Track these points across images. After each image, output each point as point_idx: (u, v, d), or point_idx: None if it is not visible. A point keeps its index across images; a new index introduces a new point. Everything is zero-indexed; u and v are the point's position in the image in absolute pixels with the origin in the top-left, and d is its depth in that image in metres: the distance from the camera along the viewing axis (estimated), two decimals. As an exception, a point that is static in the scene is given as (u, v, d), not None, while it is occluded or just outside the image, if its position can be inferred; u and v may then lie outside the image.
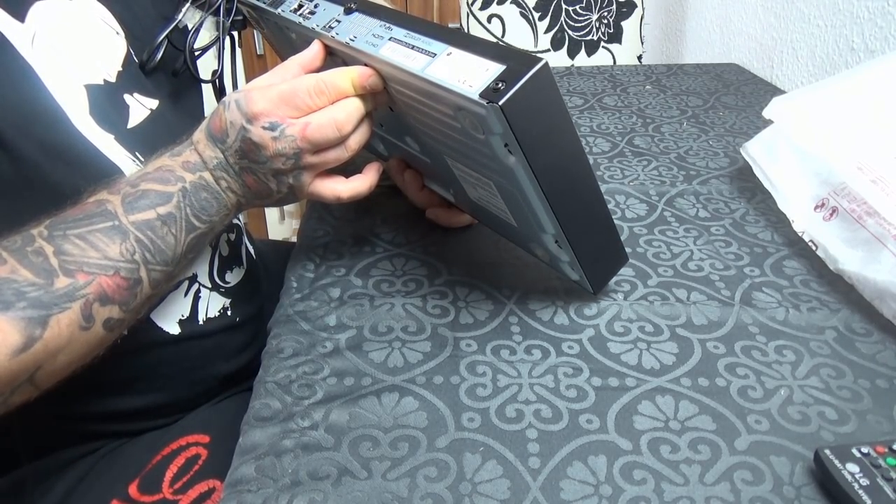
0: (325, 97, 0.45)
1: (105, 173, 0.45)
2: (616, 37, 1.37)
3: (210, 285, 0.57)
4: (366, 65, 0.46)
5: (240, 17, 0.63)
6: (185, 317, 0.54)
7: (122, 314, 0.42)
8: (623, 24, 1.36)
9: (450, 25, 1.64)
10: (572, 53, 1.37)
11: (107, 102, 0.48)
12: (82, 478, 0.53)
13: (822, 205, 0.55)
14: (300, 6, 0.54)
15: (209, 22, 0.60)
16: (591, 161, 0.75)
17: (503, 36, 1.35)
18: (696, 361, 0.45)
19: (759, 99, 0.94)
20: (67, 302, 0.39)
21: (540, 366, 0.45)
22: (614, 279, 0.53)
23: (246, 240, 0.66)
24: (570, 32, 1.35)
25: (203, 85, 0.63)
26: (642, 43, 1.39)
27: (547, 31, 1.35)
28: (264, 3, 0.58)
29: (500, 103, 0.35)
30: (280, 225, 1.93)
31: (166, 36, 0.55)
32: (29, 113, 0.43)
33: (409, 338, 0.48)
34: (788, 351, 0.46)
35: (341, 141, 0.46)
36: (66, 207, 0.42)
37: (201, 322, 0.55)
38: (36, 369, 0.38)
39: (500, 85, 0.36)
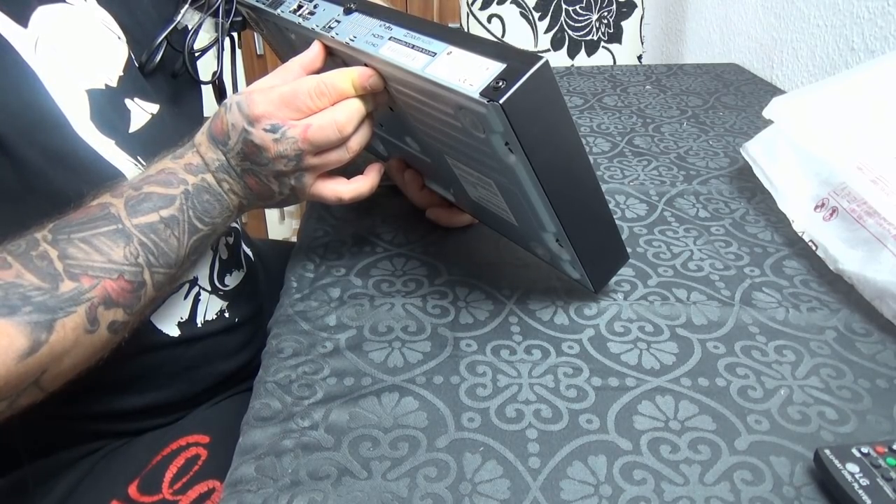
0: (325, 98, 0.45)
1: (107, 178, 0.45)
2: (616, 37, 1.37)
3: (210, 288, 0.57)
4: (366, 65, 0.46)
5: (239, 19, 0.63)
6: (183, 319, 0.54)
7: (126, 317, 0.42)
8: (623, 24, 1.36)
9: (450, 25, 1.64)
10: (572, 53, 1.37)
11: (108, 107, 0.48)
12: (82, 478, 0.53)
13: (822, 205, 0.55)
14: (300, 7, 0.54)
15: (209, 23, 0.60)
16: (591, 161, 0.75)
17: (503, 36, 1.35)
18: (696, 361, 0.45)
19: (759, 99, 0.94)
20: (72, 306, 0.39)
21: (540, 366, 0.45)
22: (614, 279, 0.53)
23: (243, 242, 0.66)
24: (570, 32, 1.35)
25: (202, 87, 0.63)
26: (642, 43, 1.39)
27: (547, 31, 1.35)
28: (263, 3, 0.58)
29: (501, 102, 0.35)
30: (280, 225, 1.93)
31: (165, 37, 0.55)
32: (32, 118, 0.43)
33: (409, 338, 0.48)
34: (788, 351, 0.46)
35: (342, 142, 0.46)
36: (69, 211, 0.42)
37: (199, 324, 0.56)
38: (42, 373, 0.38)
39: (500, 83, 0.36)
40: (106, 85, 0.49)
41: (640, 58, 1.40)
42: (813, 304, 0.51)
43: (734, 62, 1.15)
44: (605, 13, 1.35)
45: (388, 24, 0.45)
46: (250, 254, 0.67)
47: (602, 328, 0.49)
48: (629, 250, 0.55)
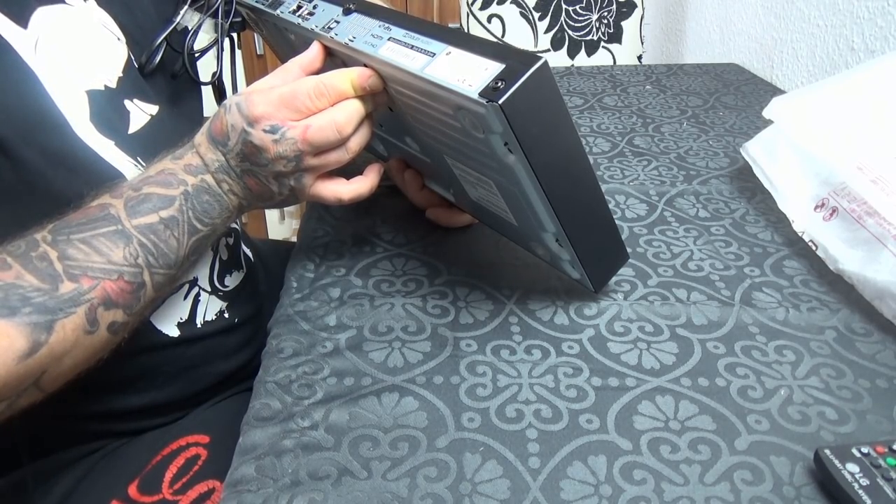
0: (325, 99, 0.45)
1: (107, 179, 0.45)
2: (616, 37, 1.37)
3: (209, 289, 0.57)
4: (365, 65, 0.46)
5: (238, 19, 0.63)
6: (183, 320, 0.54)
7: (126, 318, 0.42)
8: (623, 24, 1.36)
9: (450, 25, 1.64)
10: (572, 53, 1.37)
11: (108, 108, 0.48)
12: (82, 478, 0.53)
13: (822, 205, 0.55)
14: (299, 7, 0.54)
15: (208, 24, 0.60)
16: (591, 161, 0.75)
17: (503, 36, 1.35)
18: (696, 361, 0.45)
19: (759, 99, 0.94)
20: (72, 307, 0.39)
21: (540, 366, 0.45)
22: (614, 279, 0.53)
23: (243, 242, 0.66)
24: (570, 32, 1.35)
25: (202, 87, 0.63)
26: (642, 43, 1.39)
27: (547, 31, 1.35)
28: (263, 4, 0.58)
29: (500, 102, 0.35)
30: (280, 225, 1.93)
31: (165, 38, 0.55)
32: (31, 119, 0.43)
33: (409, 338, 0.48)
34: (788, 351, 0.46)
35: (342, 143, 0.46)
36: (68, 211, 0.42)
37: (199, 325, 0.56)
38: (41, 373, 0.38)
39: (499, 84, 0.36)
40: (105, 86, 0.49)
41: (640, 58, 1.40)
42: (813, 304, 0.51)
43: (734, 62, 1.15)
44: (605, 13, 1.35)
45: (387, 25, 0.46)
46: (250, 254, 0.67)
47: (602, 328, 0.49)
48: (629, 250, 0.55)
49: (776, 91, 0.97)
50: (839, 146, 0.56)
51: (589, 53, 1.38)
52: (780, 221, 0.61)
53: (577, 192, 0.43)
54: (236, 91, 0.64)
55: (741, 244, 0.59)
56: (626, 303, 0.51)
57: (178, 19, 0.56)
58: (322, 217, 0.64)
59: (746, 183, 0.69)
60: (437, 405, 0.42)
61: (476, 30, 1.35)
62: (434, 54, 0.41)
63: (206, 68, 0.61)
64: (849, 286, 0.51)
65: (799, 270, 0.55)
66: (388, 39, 0.44)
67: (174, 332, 0.54)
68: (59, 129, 0.44)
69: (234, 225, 0.63)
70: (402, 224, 0.63)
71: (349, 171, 0.50)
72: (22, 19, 0.44)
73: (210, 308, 0.57)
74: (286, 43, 0.61)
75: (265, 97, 0.44)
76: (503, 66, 0.36)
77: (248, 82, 0.48)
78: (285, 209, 1.89)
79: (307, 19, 0.52)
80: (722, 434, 0.40)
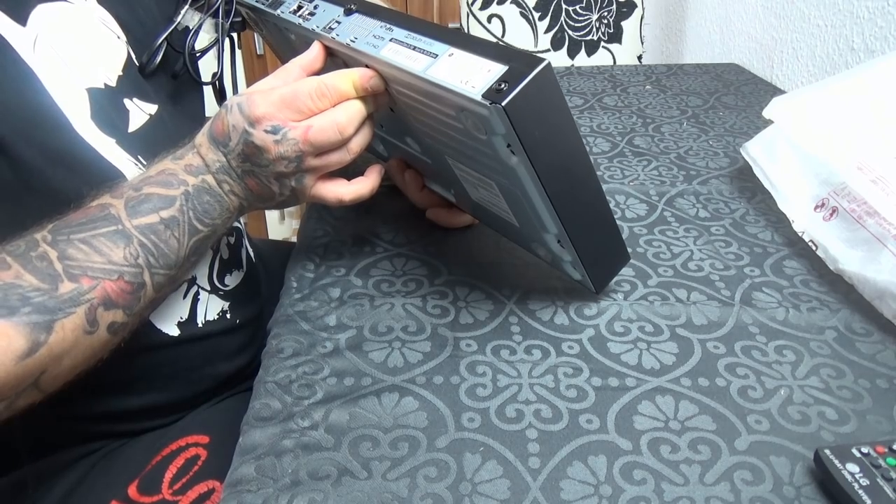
0: (326, 100, 0.45)
1: (107, 178, 0.45)
2: (616, 37, 1.37)
3: (209, 288, 0.57)
4: (367, 66, 0.46)
5: (239, 19, 0.63)
6: (183, 319, 0.54)
7: (125, 318, 0.42)
8: (623, 24, 1.36)
9: (450, 25, 1.64)
10: (572, 53, 1.37)
11: (108, 106, 0.48)
12: (82, 478, 0.53)
13: (822, 205, 0.55)
14: (300, 7, 0.54)
15: (209, 24, 0.60)
16: (592, 161, 0.75)
17: (503, 36, 1.35)
18: (696, 361, 0.45)
19: (759, 99, 0.94)
20: (72, 307, 0.39)
21: (540, 366, 0.45)
22: (615, 279, 0.53)
23: (246, 242, 0.66)
24: (570, 32, 1.35)
25: (204, 87, 0.63)
26: (642, 43, 1.39)
27: (547, 31, 1.35)
28: (263, 4, 0.58)
29: (503, 104, 0.35)
30: (280, 225, 1.93)
31: (165, 38, 0.55)
32: (30, 118, 0.43)
33: (409, 338, 0.48)
34: (788, 351, 0.46)
35: (343, 143, 0.46)
36: (69, 211, 0.42)
37: (200, 324, 0.56)
38: (41, 374, 0.38)
39: (502, 86, 0.36)
40: (105, 84, 0.49)
41: (640, 58, 1.40)
42: (813, 304, 0.51)
43: (734, 62, 1.15)
44: (605, 13, 1.35)
45: (388, 26, 0.45)
46: (252, 254, 0.67)
47: (602, 328, 0.49)
48: (629, 250, 0.55)
49: (776, 91, 0.97)
50: (839, 146, 0.56)
51: (589, 53, 1.38)
52: (780, 221, 0.61)
53: (580, 193, 0.43)
54: (236, 91, 0.64)
55: (741, 244, 0.59)
56: (626, 303, 0.51)
57: (178, 19, 0.56)
58: (322, 217, 0.64)
59: (746, 183, 0.69)
60: (437, 405, 0.42)
61: (476, 30, 1.35)
62: (436, 55, 0.41)
63: (207, 68, 0.61)
64: (849, 286, 0.51)
65: (799, 270, 0.55)
66: (390, 40, 0.44)
67: (174, 331, 0.54)
68: (59, 128, 0.44)
69: (236, 224, 0.63)
70: (402, 224, 0.63)
71: (350, 171, 0.50)
72: (21, 17, 0.44)
73: (211, 307, 0.57)
74: (286, 43, 0.61)
75: (266, 98, 0.44)
76: (506, 67, 0.36)
77: (249, 82, 0.48)
78: (285, 209, 1.89)
79: (308, 20, 0.52)
80: (722, 434, 0.40)
